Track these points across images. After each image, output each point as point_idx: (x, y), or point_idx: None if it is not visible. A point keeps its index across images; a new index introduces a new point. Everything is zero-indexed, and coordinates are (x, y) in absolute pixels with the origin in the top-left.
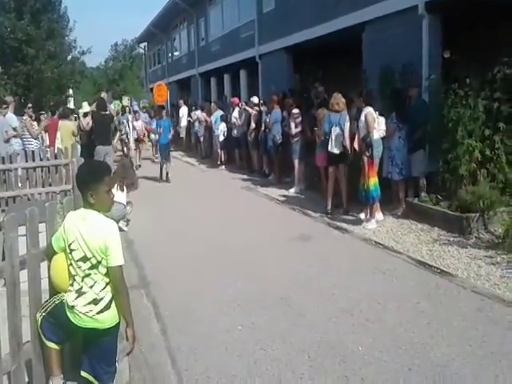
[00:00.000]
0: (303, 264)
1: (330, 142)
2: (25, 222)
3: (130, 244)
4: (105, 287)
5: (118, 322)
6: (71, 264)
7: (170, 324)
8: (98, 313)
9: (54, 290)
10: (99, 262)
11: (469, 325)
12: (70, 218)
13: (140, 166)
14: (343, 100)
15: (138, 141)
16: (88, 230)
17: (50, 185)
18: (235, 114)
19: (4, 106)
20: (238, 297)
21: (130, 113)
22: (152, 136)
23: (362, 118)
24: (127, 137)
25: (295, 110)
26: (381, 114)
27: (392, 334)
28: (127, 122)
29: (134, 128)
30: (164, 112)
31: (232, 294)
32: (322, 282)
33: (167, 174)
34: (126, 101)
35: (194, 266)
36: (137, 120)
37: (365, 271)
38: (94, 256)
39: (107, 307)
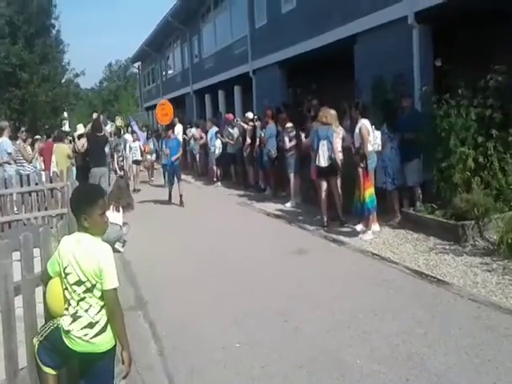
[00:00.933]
0: (301, 278)
1: (317, 156)
2: (19, 247)
3: (127, 264)
4: (100, 310)
5: (115, 345)
6: (66, 288)
7: (168, 344)
8: (93, 336)
9: (49, 315)
10: (94, 286)
11: (466, 333)
12: (64, 242)
13: (139, 190)
14: (331, 113)
15: (136, 162)
16: (82, 254)
17: (46, 209)
18: (227, 133)
19: None
20: (235, 314)
21: (131, 133)
22: (148, 157)
23: (357, 130)
24: (123, 160)
25: (289, 124)
26: (377, 129)
27: (389, 346)
28: (125, 143)
29: (130, 149)
30: (170, 131)
31: (229, 311)
32: (319, 295)
33: (181, 196)
34: (119, 121)
35: (191, 284)
36: (134, 141)
37: (362, 283)
38: (88, 279)
39: (103, 330)
